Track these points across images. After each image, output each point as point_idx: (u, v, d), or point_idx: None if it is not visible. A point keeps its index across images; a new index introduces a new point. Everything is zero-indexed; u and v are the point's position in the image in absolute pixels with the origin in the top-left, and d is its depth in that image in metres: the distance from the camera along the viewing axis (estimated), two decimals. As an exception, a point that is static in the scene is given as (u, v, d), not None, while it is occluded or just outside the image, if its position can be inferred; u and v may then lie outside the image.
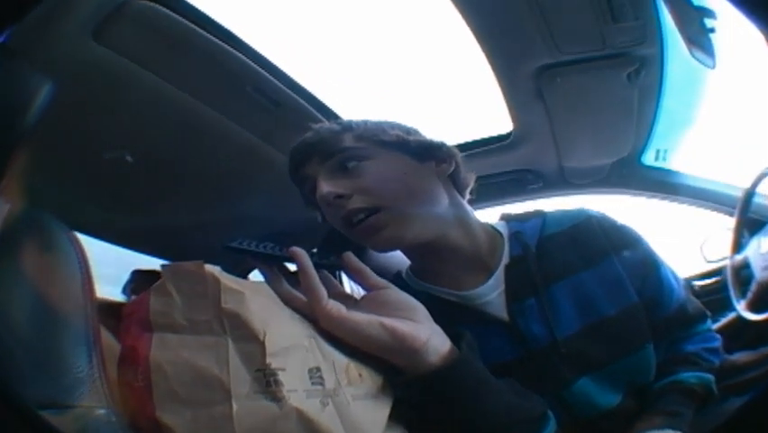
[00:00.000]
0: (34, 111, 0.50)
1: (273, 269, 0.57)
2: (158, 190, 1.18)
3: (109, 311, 0.51)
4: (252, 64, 1.05)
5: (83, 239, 0.51)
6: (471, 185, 0.84)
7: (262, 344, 0.45)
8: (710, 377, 0.80)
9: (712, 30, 1.14)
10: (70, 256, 0.48)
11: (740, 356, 1.14)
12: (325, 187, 0.71)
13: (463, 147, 0.84)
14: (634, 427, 0.75)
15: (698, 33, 1.14)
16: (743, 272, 1.39)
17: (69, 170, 1.00)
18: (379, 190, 0.72)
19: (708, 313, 0.90)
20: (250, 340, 0.46)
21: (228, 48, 1.01)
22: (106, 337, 0.50)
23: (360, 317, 0.55)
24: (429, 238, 0.75)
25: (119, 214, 1.19)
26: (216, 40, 0.99)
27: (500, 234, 0.83)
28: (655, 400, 0.77)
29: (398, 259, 0.84)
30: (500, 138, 1.50)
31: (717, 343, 0.86)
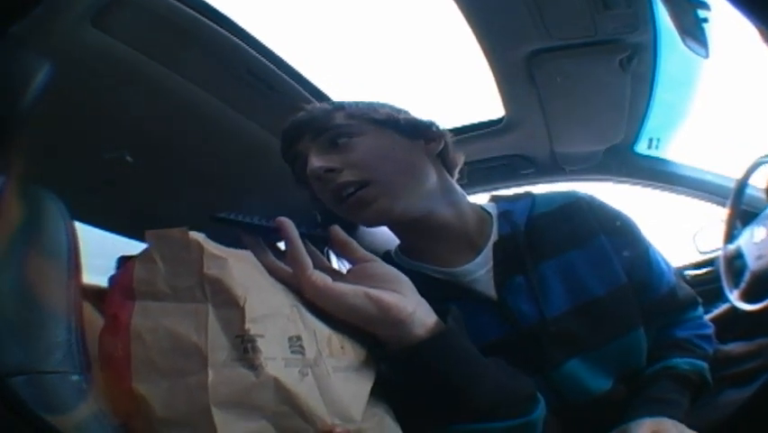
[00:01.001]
0: (33, 92, 0.51)
1: (259, 240, 0.57)
2: (155, 175, 1.19)
3: (102, 296, 0.51)
4: (248, 48, 1.06)
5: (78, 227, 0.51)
6: (460, 165, 0.84)
7: (242, 309, 0.45)
8: (704, 364, 0.80)
9: (705, 20, 1.15)
10: (59, 229, 0.48)
11: (734, 347, 1.14)
12: (316, 161, 0.73)
13: (455, 131, 0.84)
14: (627, 413, 0.74)
15: (691, 23, 1.14)
16: (736, 262, 1.40)
17: (66, 154, 1.00)
18: (369, 165, 0.73)
19: (700, 300, 0.90)
20: (230, 305, 0.45)
21: (224, 32, 1.02)
22: (98, 320, 0.50)
23: (345, 287, 0.54)
24: (417, 215, 0.76)
25: (116, 199, 1.19)
26: (212, 24, 0.99)
27: (489, 213, 0.83)
28: (648, 386, 0.77)
29: (387, 238, 0.84)
30: (492, 123, 1.51)
31: (710, 330, 0.86)
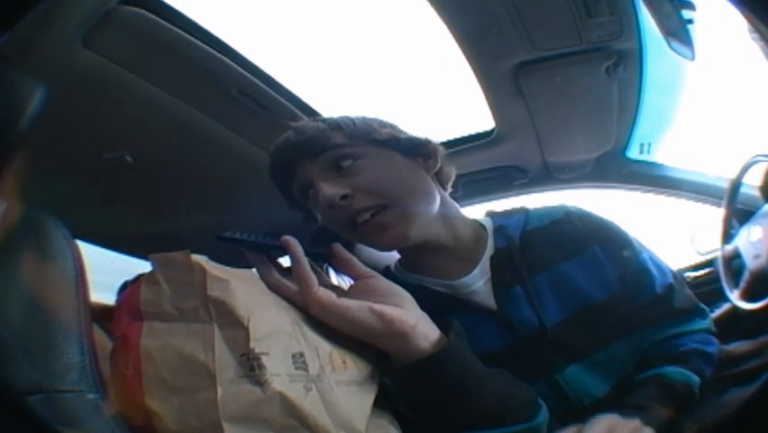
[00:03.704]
0: (29, 115, 0.52)
1: (264, 258, 0.58)
2: (148, 194, 1.20)
3: (105, 314, 0.53)
4: (238, 68, 1.07)
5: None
6: (453, 179, 0.86)
7: (246, 329, 0.47)
8: (695, 378, 0.77)
9: (690, 21, 1.15)
10: (65, 252, 0.50)
11: (737, 346, 1.14)
12: (327, 188, 0.71)
13: (447, 144, 0.85)
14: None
15: (675, 25, 1.15)
16: (734, 262, 1.39)
17: (59, 174, 1.01)
18: (381, 188, 0.73)
19: (706, 309, 0.87)
20: (235, 326, 0.47)
21: (214, 52, 1.03)
22: (102, 338, 0.51)
23: (350, 302, 0.56)
24: (428, 236, 0.77)
25: (109, 218, 1.20)
26: (202, 44, 1.01)
27: (484, 228, 0.85)
28: (632, 392, 0.75)
29: (386, 255, 0.85)
30: (483, 135, 1.51)
31: (713, 348, 0.82)
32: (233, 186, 1.30)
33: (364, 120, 0.78)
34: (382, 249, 0.77)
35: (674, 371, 0.76)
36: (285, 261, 0.60)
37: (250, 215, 1.25)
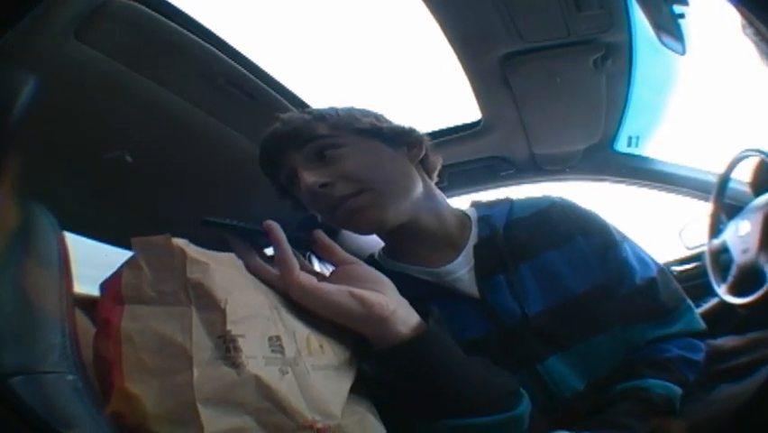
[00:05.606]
0: (19, 108, 0.52)
1: (246, 243, 0.59)
2: (143, 185, 1.20)
3: (93, 305, 0.54)
4: (227, 58, 1.08)
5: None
6: (439, 168, 0.86)
7: (223, 311, 0.47)
8: (677, 390, 0.76)
9: (681, 15, 1.15)
10: (50, 240, 0.51)
11: (726, 341, 1.14)
12: (308, 177, 0.73)
13: (434, 135, 0.85)
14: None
15: (666, 20, 1.15)
16: (722, 257, 1.40)
17: (50, 167, 1.02)
18: (361, 176, 0.74)
19: (693, 307, 0.86)
20: (212, 308, 0.48)
21: (204, 43, 1.03)
22: (89, 328, 0.52)
23: (330, 286, 0.57)
24: (405, 220, 0.77)
25: (102, 211, 1.20)
26: (193, 36, 1.01)
27: (469, 217, 0.85)
28: (612, 405, 0.75)
29: (371, 243, 0.86)
30: (470, 126, 1.52)
31: (699, 356, 0.82)
32: (225, 177, 1.30)
33: (348, 111, 0.79)
34: (359, 232, 0.79)
35: (656, 384, 0.75)
36: (269, 250, 0.61)
37: (244, 206, 1.25)
